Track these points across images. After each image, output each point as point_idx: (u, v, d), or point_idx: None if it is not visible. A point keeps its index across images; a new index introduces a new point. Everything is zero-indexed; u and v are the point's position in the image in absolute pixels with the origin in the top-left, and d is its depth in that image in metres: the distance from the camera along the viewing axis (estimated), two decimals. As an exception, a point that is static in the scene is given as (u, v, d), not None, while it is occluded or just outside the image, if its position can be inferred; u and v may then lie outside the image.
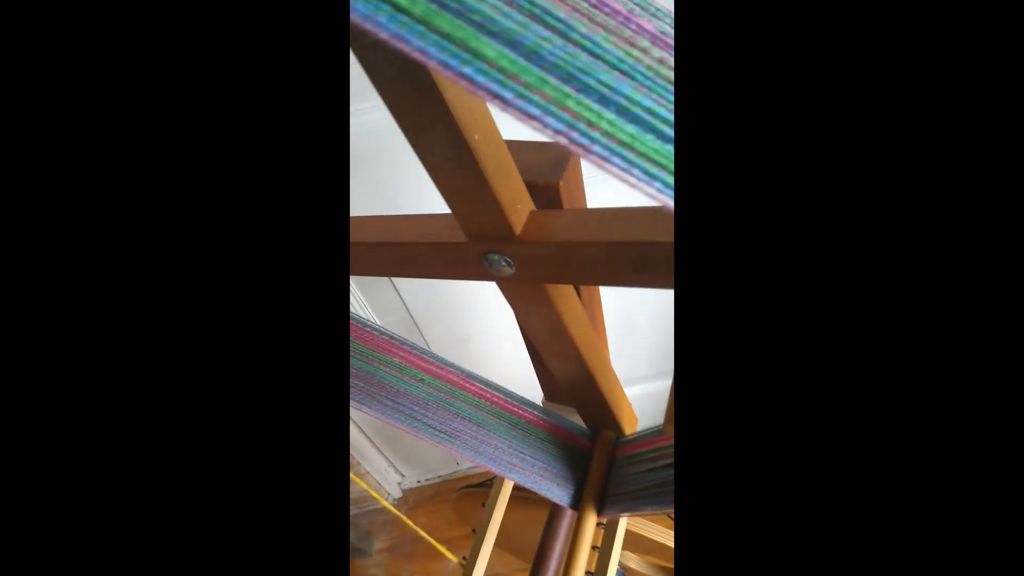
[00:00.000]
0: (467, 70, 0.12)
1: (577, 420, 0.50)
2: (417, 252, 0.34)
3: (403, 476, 1.67)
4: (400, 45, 0.12)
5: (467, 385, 0.46)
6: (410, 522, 0.81)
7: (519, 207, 0.29)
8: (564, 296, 0.35)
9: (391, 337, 0.45)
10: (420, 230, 0.33)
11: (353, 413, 1.34)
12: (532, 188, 0.31)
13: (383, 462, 1.55)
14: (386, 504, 0.76)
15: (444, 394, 0.45)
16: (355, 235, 0.36)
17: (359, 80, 0.70)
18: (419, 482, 1.69)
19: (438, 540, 1.58)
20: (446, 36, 0.12)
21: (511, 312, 1.12)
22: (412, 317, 1.06)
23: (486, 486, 0.95)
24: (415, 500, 1.67)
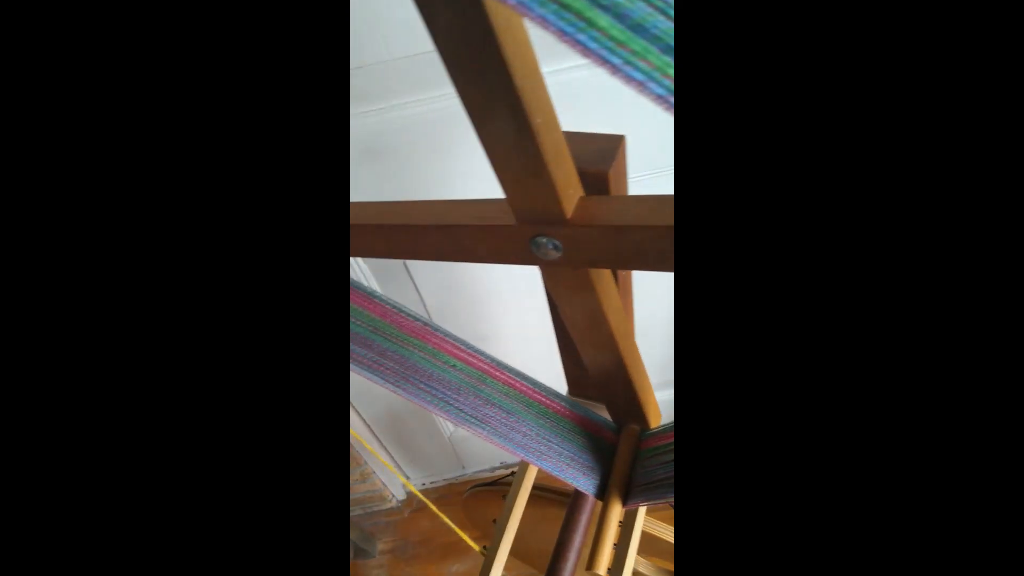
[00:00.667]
0: (581, 37, 0.13)
1: (602, 414, 0.51)
2: (464, 235, 0.35)
3: (408, 478, 1.67)
4: (523, 12, 0.13)
5: (497, 373, 0.47)
6: (441, 515, 0.80)
7: (571, 191, 0.30)
8: (604, 283, 0.36)
9: (425, 323, 0.46)
10: (468, 213, 0.35)
11: (362, 412, 1.35)
12: (582, 176, 0.32)
13: (390, 463, 1.55)
14: (413, 489, 0.75)
15: (475, 380, 0.46)
16: (400, 219, 0.37)
17: (387, 78, 0.71)
18: (424, 485, 1.70)
19: (443, 543, 1.58)
20: (564, 6, 0.13)
21: (526, 312, 1.12)
22: (429, 313, 1.07)
23: (501, 485, 0.96)
24: (419, 503, 1.67)
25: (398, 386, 0.43)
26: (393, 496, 1.64)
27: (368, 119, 0.71)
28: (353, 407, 1.31)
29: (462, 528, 1.53)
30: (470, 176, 0.78)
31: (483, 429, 0.44)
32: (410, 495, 1.69)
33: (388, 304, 0.47)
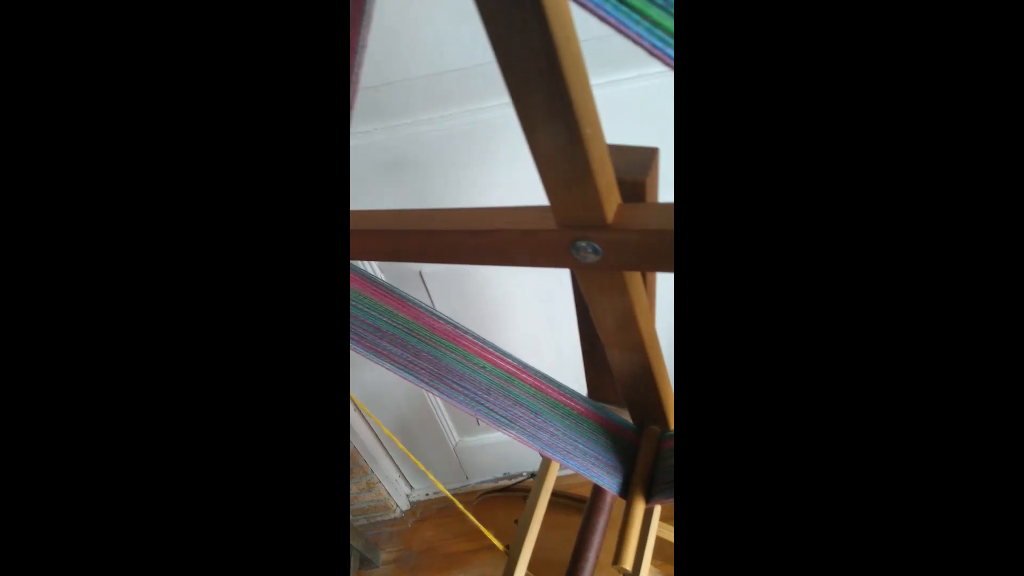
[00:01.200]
0: (670, 51, 0.15)
1: (622, 417, 0.52)
2: (505, 240, 0.37)
3: (412, 488, 1.67)
4: (620, 29, 0.15)
5: (524, 375, 0.48)
6: (470, 515, 0.80)
7: (612, 198, 0.32)
8: (636, 287, 0.38)
9: (456, 326, 0.48)
10: (510, 219, 0.36)
11: (370, 420, 1.36)
12: (620, 184, 0.34)
13: (394, 472, 1.56)
14: (442, 488, 0.75)
15: (504, 382, 0.47)
16: (444, 224, 0.39)
17: (412, 95, 0.74)
18: (427, 495, 1.70)
19: (446, 553, 1.58)
20: (656, 24, 0.15)
21: (535, 322, 1.13)
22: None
23: (513, 491, 0.97)
24: (422, 513, 1.67)
25: (432, 385, 0.45)
26: (397, 506, 1.65)
27: (396, 133, 0.73)
28: (362, 415, 1.32)
29: (473, 535, 1.53)
30: (489, 189, 0.80)
31: (513, 428, 0.46)
32: (414, 504, 1.69)
33: (421, 307, 0.48)
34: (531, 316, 1.08)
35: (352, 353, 0.48)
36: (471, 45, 0.66)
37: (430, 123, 0.73)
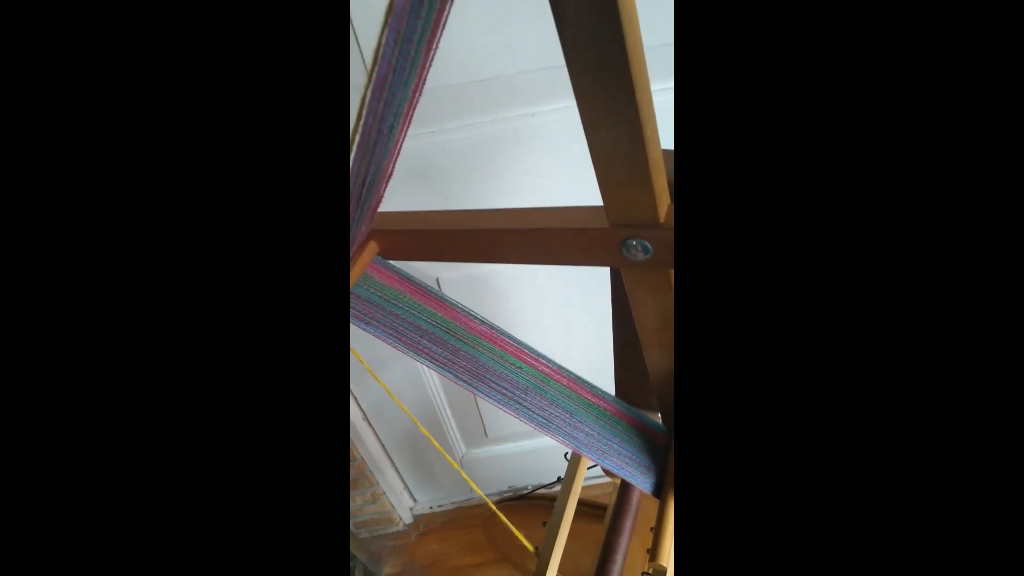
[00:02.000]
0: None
1: (654, 419, 0.53)
2: (556, 238, 0.38)
3: (415, 501, 1.66)
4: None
5: (559, 377, 0.49)
6: (504, 518, 0.78)
7: (664, 199, 0.34)
8: (679, 286, 0.39)
9: (491, 326, 0.49)
10: (561, 218, 0.38)
11: (379, 431, 1.36)
12: (670, 186, 0.35)
13: (399, 484, 1.55)
14: (476, 487, 0.73)
15: (540, 382, 0.48)
16: (494, 223, 0.40)
17: (446, 103, 0.75)
18: (431, 508, 1.69)
19: (450, 567, 1.57)
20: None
21: (551, 330, 1.13)
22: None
23: (525, 500, 0.97)
24: (426, 526, 1.66)
25: (472, 384, 0.46)
26: (400, 519, 1.64)
27: (422, 140, 0.75)
28: (370, 425, 1.32)
29: (478, 549, 1.52)
30: (513, 197, 0.81)
31: (550, 428, 0.47)
32: (418, 517, 1.68)
33: (458, 308, 0.50)
34: (547, 324, 1.09)
35: (385, 351, 0.49)
36: (499, 56, 0.68)
37: (456, 131, 0.74)
